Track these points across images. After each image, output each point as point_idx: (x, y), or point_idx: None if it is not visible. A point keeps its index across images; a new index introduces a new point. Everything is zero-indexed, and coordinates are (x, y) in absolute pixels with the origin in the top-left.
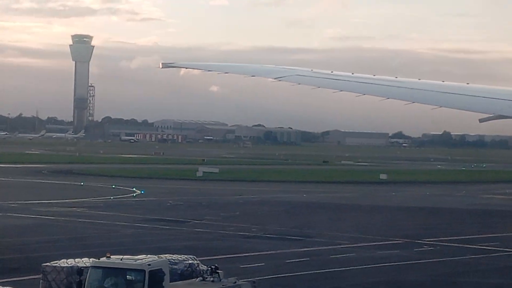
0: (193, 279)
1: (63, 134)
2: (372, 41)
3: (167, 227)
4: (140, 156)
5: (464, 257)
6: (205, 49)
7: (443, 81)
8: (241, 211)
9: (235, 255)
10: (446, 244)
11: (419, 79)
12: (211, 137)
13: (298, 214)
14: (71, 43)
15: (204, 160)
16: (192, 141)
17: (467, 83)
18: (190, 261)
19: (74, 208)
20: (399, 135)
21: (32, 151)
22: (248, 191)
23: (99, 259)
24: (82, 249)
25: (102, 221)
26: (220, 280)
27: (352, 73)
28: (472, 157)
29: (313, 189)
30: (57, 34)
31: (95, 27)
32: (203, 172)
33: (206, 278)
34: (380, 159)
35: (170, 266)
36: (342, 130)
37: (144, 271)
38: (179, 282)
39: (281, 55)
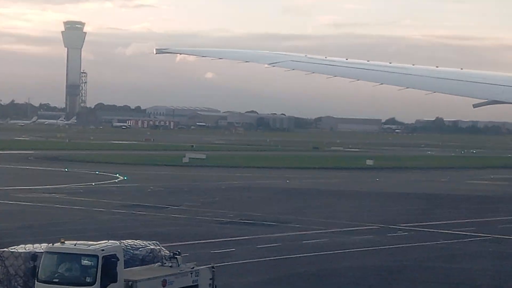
0: (152, 265)
1: (55, 121)
2: (367, 28)
3: (143, 213)
4: (130, 142)
5: (436, 242)
6: (199, 36)
7: (437, 66)
8: (221, 197)
9: (207, 241)
10: (421, 229)
11: (413, 64)
12: (204, 124)
13: (278, 200)
14: (63, 30)
15: (192, 146)
16: (184, 128)
17: (461, 69)
18: (152, 247)
19: (54, 194)
20: (392, 121)
21: (22, 137)
22: (233, 177)
23: (53, 244)
24: (53, 235)
25: (79, 207)
26: (179, 265)
27: (346, 59)
28: (464, 143)
29: (298, 175)
30: (50, 20)
31: (89, 14)
32: (190, 158)
33: (165, 263)
34: (371, 145)
35: (132, 251)
36: (335, 117)
37: (97, 256)
38: (136, 267)
39: (276, 42)
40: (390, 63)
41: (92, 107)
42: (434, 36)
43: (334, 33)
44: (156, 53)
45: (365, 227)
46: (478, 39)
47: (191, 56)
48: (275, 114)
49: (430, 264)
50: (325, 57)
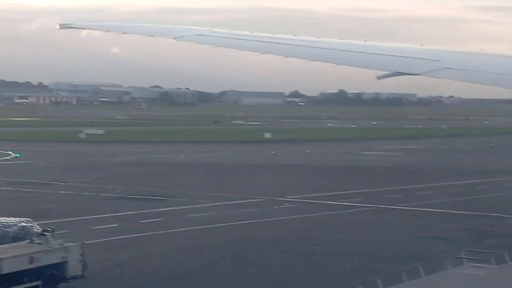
0: (22, 242)
1: None
2: (272, 1)
3: (30, 189)
4: (30, 119)
5: (322, 213)
6: (103, 10)
7: (341, 39)
8: (113, 173)
9: (90, 217)
10: (308, 201)
11: (318, 38)
12: (107, 99)
13: (169, 175)
14: None
15: (91, 122)
16: (87, 103)
17: (365, 41)
18: (24, 224)
19: None
20: (295, 94)
21: None
22: (130, 152)
23: None
24: None
25: None
26: (48, 242)
27: (252, 32)
28: (366, 115)
29: (195, 150)
30: None
31: None
32: (87, 134)
33: (34, 240)
34: (273, 118)
35: (3, 229)
36: (239, 90)
37: None
38: (3, 245)
39: (181, 16)
40: (295, 36)
41: None
42: (338, 8)
43: (239, 6)
44: (59, 28)
45: (252, 200)
46: (382, 11)
47: (96, 31)
48: (180, 88)
49: (310, 235)
50: (231, 31)
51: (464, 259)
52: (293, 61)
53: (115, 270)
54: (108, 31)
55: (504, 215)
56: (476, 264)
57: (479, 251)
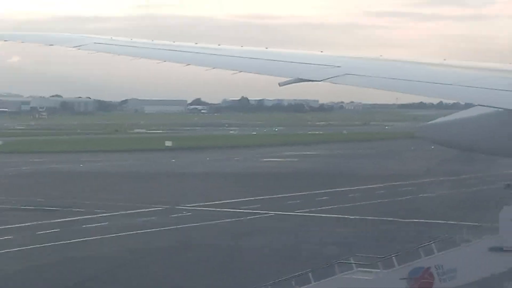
0: None
1: None
2: (172, 9)
3: None
4: None
5: (218, 221)
6: (0, 20)
7: (241, 46)
8: (6, 183)
9: None
10: (206, 209)
11: (219, 45)
12: (6, 109)
13: (66, 185)
14: None
15: None
16: None
17: (266, 48)
18: None
19: None
20: (197, 101)
21: None
22: (26, 163)
23: None
24: None
25: None
26: None
27: (152, 40)
28: (268, 121)
29: (94, 159)
30: None
31: None
32: None
33: None
34: (175, 126)
35: None
36: (140, 98)
37: None
38: None
39: (80, 24)
40: (196, 43)
41: None
42: (239, 15)
43: (139, 14)
44: None
45: (150, 209)
46: (282, 17)
47: None
48: (80, 97)
49: (203, 242)
50: (131, 39)
51: (353, 264)
52: (195, 69)
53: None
54: (5, 41)
55: (399, 220)
56: (364, 269)
57: (368, 256)
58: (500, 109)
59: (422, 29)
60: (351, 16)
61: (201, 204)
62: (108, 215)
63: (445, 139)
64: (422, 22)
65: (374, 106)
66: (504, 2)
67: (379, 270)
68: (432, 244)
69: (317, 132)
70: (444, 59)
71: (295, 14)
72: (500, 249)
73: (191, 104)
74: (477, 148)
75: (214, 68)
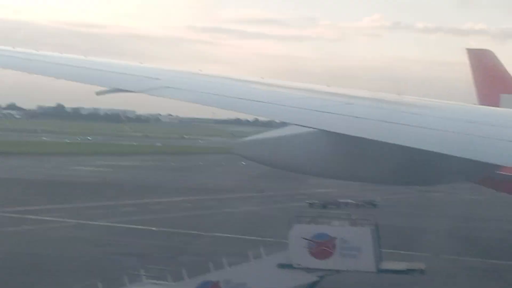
0: None
1: None
2: None
3: None
4: None
5: (19, 228)
6: None
7: (61, 53)
8: None
9: None
10: (7, 215)
11: (38, 51)
12: None
13: None
14: None
15: None
16: None
17: (85, 56)
18: None
19: None
20: (12, 106)
21: None
22: None
23: None
24: None
25: None
26: None
27: None
28: (83, 130)
29: None
30: None
31: None
32: None
33: None
34: None
35: None
36: None
37: None
38: None
39: None
40: (13, 48)
41: None
42: (60, 22)
43: None
44: None
45: None
46: (103, 26)
47: None
48: None
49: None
50: None
51: (143, 275)
52: (10, 72)
53: None
54: None
55: (202, 233)
56: (154, 281)
57: (159, 268)
58: (311, 129)
59: (245, 47)
60: (175, 30)
61: (1, 210)
62: None
63: (260, 157)
64: (246, 40)
65: (192, 120)
66: (324, 26)
67: (168, 283)
68: (223, 259)
69: (131, 143)
70: (262, 77)
71: (117, 24)
72: (289, 266)
73: (5, 108)
74: (290, 167)
75: (30, 73)
